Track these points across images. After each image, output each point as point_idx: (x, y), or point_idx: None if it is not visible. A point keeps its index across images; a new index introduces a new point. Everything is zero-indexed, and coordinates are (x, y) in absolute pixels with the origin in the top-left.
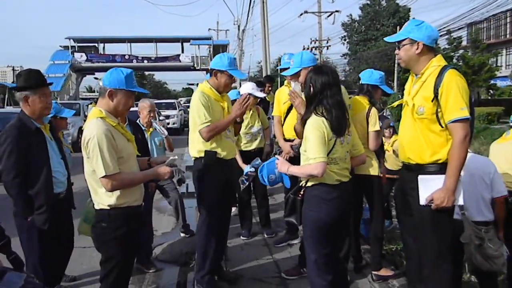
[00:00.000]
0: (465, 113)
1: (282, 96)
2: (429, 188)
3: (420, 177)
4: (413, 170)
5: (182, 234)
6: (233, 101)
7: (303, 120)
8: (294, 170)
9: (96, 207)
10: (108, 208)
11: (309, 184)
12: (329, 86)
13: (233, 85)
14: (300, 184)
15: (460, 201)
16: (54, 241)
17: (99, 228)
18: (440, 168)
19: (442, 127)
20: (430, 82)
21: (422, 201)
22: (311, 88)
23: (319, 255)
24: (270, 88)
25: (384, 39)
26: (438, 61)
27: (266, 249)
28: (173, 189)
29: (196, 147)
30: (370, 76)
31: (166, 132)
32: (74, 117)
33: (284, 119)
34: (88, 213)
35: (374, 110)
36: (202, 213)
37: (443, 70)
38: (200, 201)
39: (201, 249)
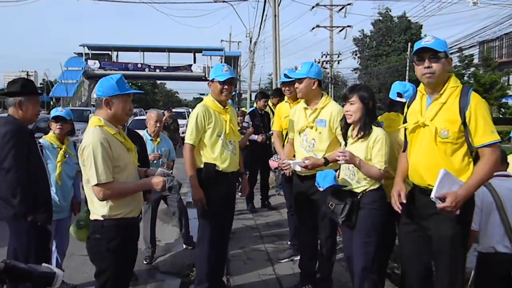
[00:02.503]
0: (497, 137)
1: (282, 111)
2: (447, 186)
3: (445, 171)
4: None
5: (185, 246)
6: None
7: (364, 135)
8: (363, 165)
9: (91, 217)
10: (102, 219)
11: (371, 188)
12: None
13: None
14: (364, 189)
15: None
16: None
17: (93, 239)
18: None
19: (472, 151)
20: (453, 104)
21: (434, 193)
22: (370, 104)
23: (375, 262)
24: (280, 100)
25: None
26: (455, 82)
27: (269, 264)
28: (177, 200)
29: (198, 158)
30: (404, 90)
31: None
32: (84, 123)
33: (286, 134)
34: (81, 218)
35: None
36: (201, 225)
37: (466, 92)
38: (200, 213)
39: (201, 261)
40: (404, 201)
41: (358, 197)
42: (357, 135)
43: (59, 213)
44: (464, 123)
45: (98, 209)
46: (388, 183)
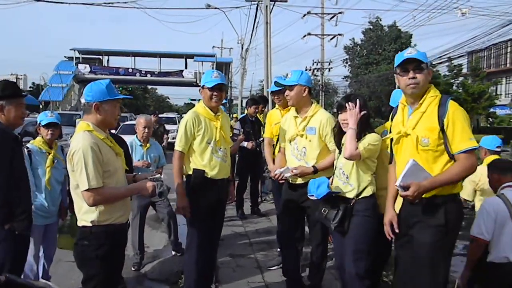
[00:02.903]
0: (474, 143)
1: (273, 118)
2: (414, 176)
3: (413, 161)
4: (416, 203)
5: (174, 252)
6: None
7: (358, 137)
8: (350, 134)
9: (79, 224)
10: (91, 225)
11: (364, 195)
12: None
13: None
14: (356, 195)
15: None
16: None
17: (81, 246)
18: (445, 200)
19: (452, 158)
20: (432, 113)
21: (398, 181)
22: (365, 112)
23: (368, 267)
24: (263, 109)
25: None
26: (434, 91)
27: (258, 271)
28: (166, 206)
29: (187, 165)
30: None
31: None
32: (73, 128)
33: (277, 141)
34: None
35: None
36: (190, 232)
37: (444, 101)
38: (188, 220)
39: (189, 268)
40: (397, 231)
41: (351, 203)
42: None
43: (48, 218)
44: (442, 130)
45: (86, 215)
46: (383, 193)
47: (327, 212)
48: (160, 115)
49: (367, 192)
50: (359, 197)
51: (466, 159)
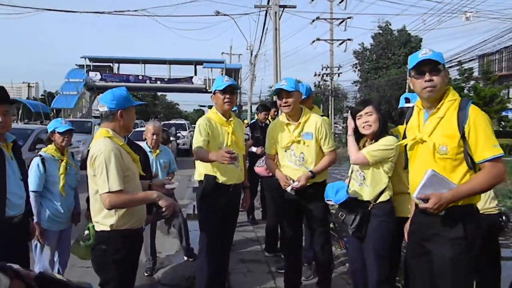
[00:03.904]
0: (499, 151)
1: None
2: (434, 187)
3: (432, 171)
4: (432, 215)
5: (186, 258)
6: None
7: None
8: (350, 141)
9: (97, 228)
10: (109, 229)
11: (381, 199)
12: None
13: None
14: (373, 200)
15: (442, 212)
16: None
17: (98, 250)
18: (462, 211)
19: (471, 168)
20: (451, 118)
21: (416, 193)
22: (381, 117)
23: (388, 274)
24: (276, 113)
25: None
26: (453, 95)
27: (269, 276)
28: (177, 211)
29: (199, 170)
30: (412, 96)
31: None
32: (85, 135)
33: None
34: (84, 233)
35: None
36: (202, 237)
37: (464, 105)
38: (200, 225)
39: (201, 274)
40: (407, 241)
41: (369, 208)
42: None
43: (62, 224)
44: (463, 138)
45: (105, 220)
46: (396, 198)
47: (345, 216)
48: (169, 122)
49: (385, 197)
50: (377, 202)
51: (492, 167)
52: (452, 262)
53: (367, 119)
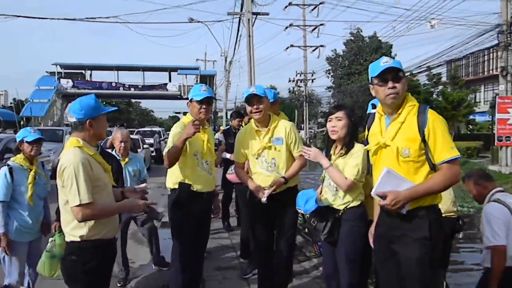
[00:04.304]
0: (456, 152)
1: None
2: (389, 184)
3: (388, 169)
4: (397, 216)
5: (156, 267)
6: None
7: (347, 151)
8: (331, 170)
9: (67, 239)
10: (79, 240)
11: (352, 205)
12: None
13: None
14: (344, 207)
15: (404, 210)
16: None
17: (68, 261)
18: (427, 211)
19: (432, 169)
20: (412, 123)
21: (374, 190)
22: (350, 124)
23: (359, 278)
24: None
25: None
26: (412, 101)
27: (245, 283)
28: (147, 220)
29: (172, 178)
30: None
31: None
32: (56, 143)
33: None
34: (51, 249)
35: None
36: (175, 245)
37: (423, 109)
38: (173, 233)
39: (175, 282)
40: (373, 246)
41: (339, 214)
42: (339, 152)
43: (31, 235)
44: (424, 141)
45: (75, 231)
46: (365, 201)
47: (316, 223)
48: (144, 129)
49: (355, 202)
50: (347, 207)
51: (448, 168)
52: (419, 262)
53: (336, 124)
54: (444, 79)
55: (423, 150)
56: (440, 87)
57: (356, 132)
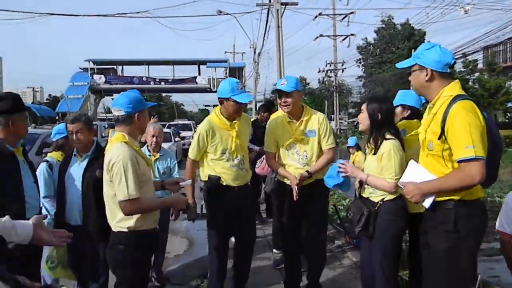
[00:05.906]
0: (470, 153)
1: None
2: (412, 176)
3: (412, 162)
4: (427, 209)
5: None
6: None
7: (375, 147)
8: (370, 180)
9: (113, 229)
10: (127, 230)
11: (388, 198)
12: (392, 112)
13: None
14: (381, 199)
15: (426, 204)
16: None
17: (115, 250)
18: (455, 205)
19: (449, 167)
20: (439, 116)
21: (399, 182)
22: (379, 115)
23: (394, 272)
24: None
25: (396, 65)
26: (450, 90)
27: (277, 273)
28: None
29: (203, 170)
30: (414, 98)
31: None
32: None
33: None
34: (50, 256)
35: None
36: (208, 236)
37: (452, 102)
38: (207, 224)
39: (211, 270)
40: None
41: (376, 207)
42: (370, 147)
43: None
44: (444, 136)
45: (122, 222)
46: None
47: (352, 216)
48: (175, 122)
49: (393, 195)
50: (384, 200)
51: (462, 168)
52: (446, 254)
53: (359, 116)
54: (480, 65)
55: (447, 145)
56: (477, 74)
57: (382, 127)
